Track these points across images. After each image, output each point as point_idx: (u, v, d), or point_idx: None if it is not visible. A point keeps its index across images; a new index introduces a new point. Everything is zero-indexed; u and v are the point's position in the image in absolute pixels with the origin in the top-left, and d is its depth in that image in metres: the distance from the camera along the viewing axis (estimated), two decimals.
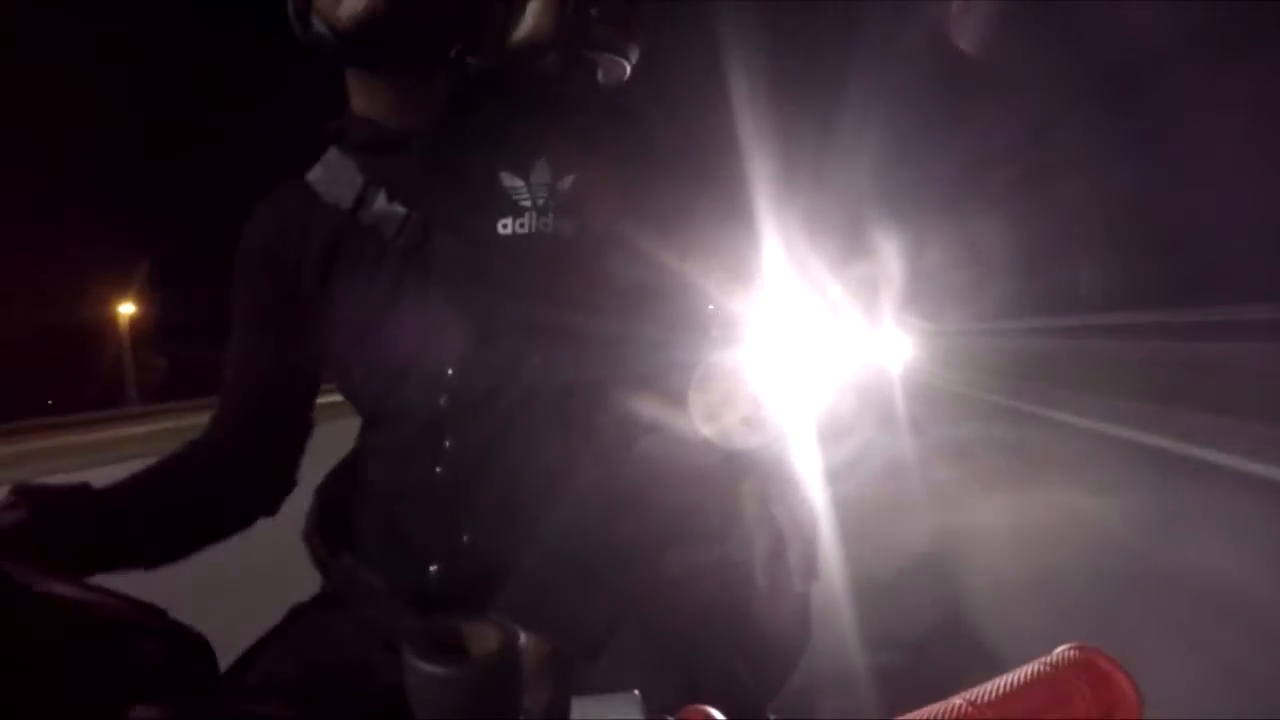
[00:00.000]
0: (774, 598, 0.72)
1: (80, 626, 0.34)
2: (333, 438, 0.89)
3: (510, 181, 0.64)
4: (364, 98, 0.67)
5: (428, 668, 0.40)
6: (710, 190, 1.02)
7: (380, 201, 0.66)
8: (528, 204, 0.63)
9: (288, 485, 0.77)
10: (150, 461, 0.71)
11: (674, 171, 0.68)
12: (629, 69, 1.13)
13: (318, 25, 0.62)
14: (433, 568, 0.65)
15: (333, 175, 0.68)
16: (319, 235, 0.70)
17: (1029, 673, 0.34)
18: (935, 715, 0.31)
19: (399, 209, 0.65)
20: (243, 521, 0.74)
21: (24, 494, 0.60)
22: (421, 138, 0.65)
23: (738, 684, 0.67)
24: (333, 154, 0.69)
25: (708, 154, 1.02)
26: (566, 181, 0.64)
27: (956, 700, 0.32)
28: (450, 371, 0.65)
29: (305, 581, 0.79)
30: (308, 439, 0.78)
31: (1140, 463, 3.93)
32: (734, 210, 1.04)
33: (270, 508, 0.76)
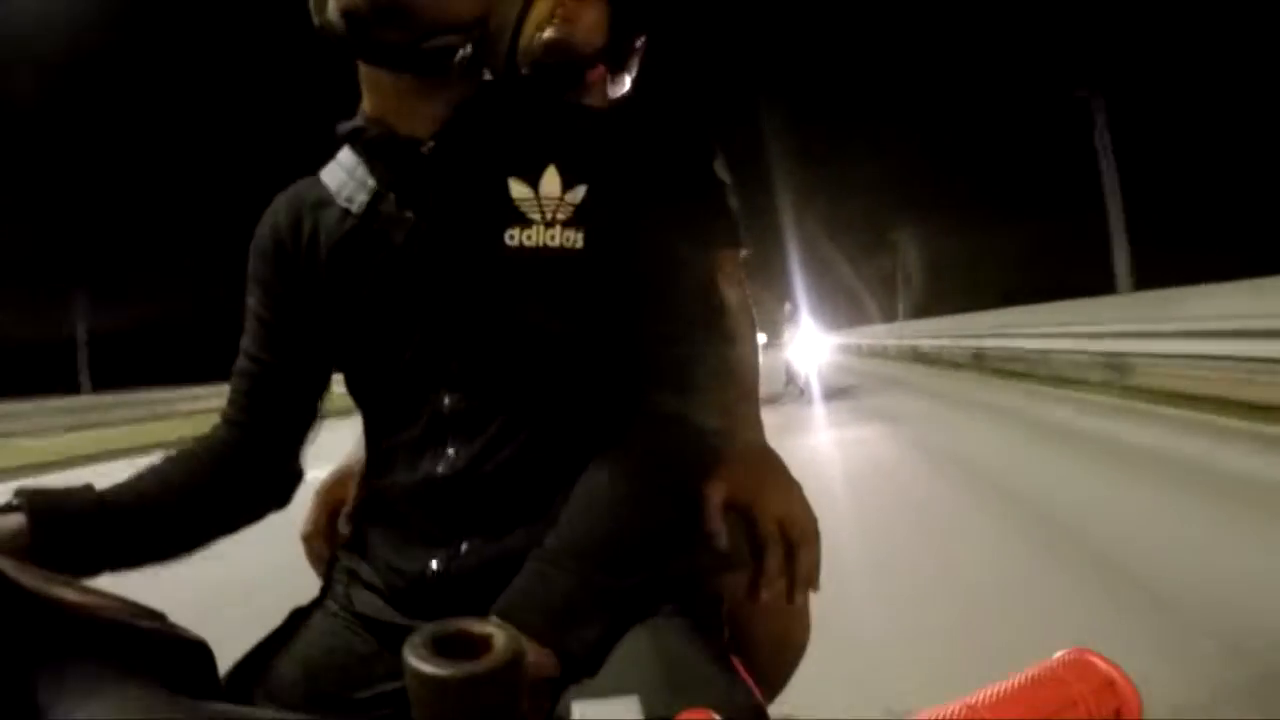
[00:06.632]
0: (775, 603, 0.71)
1: (80, 630, 0.34)
2: (332, 439, 0.89)
3: (519, 191, 0.64)
4: (376, 98, 0.67)
5: (429, 669, 0.40)
6: (716, 201, 1.02)
7: (389, 206, 0.66)
8: (535, 216, 0.63)
9: (296, 476, 0.77)
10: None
11: (681, 184, 0.68)
12: (630, 81, 1.14)
13: (330, 12, 0.62)
14: (433, 567, 0.65)
15: (346, 176, 0.69)
16: (331, 233, 0.70)
17: (1029, 676, 0.34)
18: (936, 719, 0.31)
19: (408, 215, 0.66)
20: (254, 514, 0.74)
21: (26, 496, 0.60)
22: (431, 143, 0.65)
23: (737, 687, 0.67)
24: (346, 154, 0.70)
25: (715, 166, 1.03)
26: (575, 193, 0.64)
27: (955, 705, 0.32)
28: (456, 377, 0.65)
29: (305, 584, 0.79)
30: (312, 430, 0.78)
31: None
32: (739, 220, 1.04)
33: (281, 499, 0.76)
